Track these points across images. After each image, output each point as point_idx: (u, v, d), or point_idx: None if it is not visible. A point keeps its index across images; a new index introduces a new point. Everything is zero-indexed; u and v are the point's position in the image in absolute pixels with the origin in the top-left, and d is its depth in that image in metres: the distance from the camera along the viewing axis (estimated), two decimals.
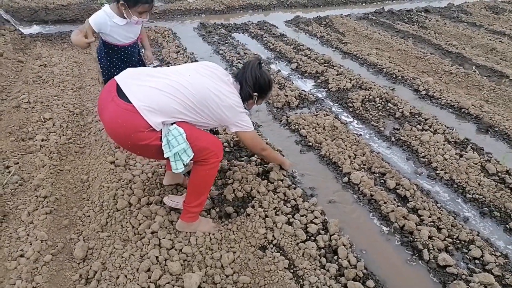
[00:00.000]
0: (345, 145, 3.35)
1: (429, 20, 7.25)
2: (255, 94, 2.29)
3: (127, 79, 2.01)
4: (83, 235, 2.40)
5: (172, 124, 2.00)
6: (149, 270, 2.15)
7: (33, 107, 3.75)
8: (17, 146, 3.20)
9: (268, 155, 2.68)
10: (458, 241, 2.41)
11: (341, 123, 3.72)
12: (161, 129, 1.97)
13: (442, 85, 4.57)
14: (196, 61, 5.13)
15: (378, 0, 8.75)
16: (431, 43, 5.98)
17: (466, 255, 2.33)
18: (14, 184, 2.78)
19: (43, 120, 3.57)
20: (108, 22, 2.63)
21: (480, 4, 8.53)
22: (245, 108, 2.29)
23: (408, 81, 4.64)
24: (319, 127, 3.61)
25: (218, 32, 6.30)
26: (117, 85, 1.98)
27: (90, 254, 2.28)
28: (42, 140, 3.28)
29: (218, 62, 5.23)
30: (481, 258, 2.29)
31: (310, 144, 3.38)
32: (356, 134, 3.58)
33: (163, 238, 2.33)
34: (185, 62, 4.94)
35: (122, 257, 2.21)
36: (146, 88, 1.96)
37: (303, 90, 4.36)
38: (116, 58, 2.86)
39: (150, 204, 2.61)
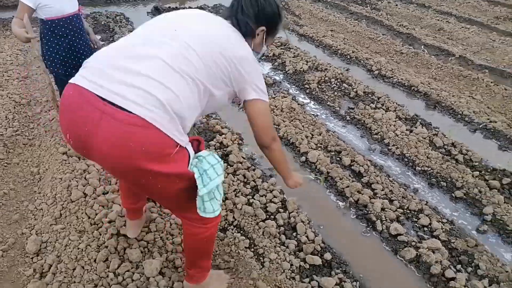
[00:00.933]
0: (302, 126, 3.41)
1: (381, 2, 7.44)
2: (262, 28, 1.57)
3: (98, 78, 1.28)
4: (36, 229, 2.31)
5: (194, 145, 1.47)
6: (107, 259, 2.11)
7: None
8: None
9: (278, 151, 1.72)
10: (408, 211, 2.55)
11: (298, 104, 3.77)
12: (186, 148, 1.37)
13: (394, 65, 4.74)
14: None
15: None
16: (383, 24, 6.16)
17: (415, 224, 2.47)
18: None
19: None
20: None
21: None
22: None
23: (362, 61, 4.77)
24: (277, 109, 3.64)
25: None
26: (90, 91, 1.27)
27: (44, 248, 2.20)
28: None
29: None
30: (429, 226, 2.44)
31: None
32: (313, 114, 3.66)
33: (121, 227, 2.29)
34: None
35: (78, 248, 2.15)
36: (139, 79, 1.25)
37: (262, 73, 4.36)
38: (64, 37, 2.69)
39: (106, 193, 2.55)
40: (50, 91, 2.81)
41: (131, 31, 5.04)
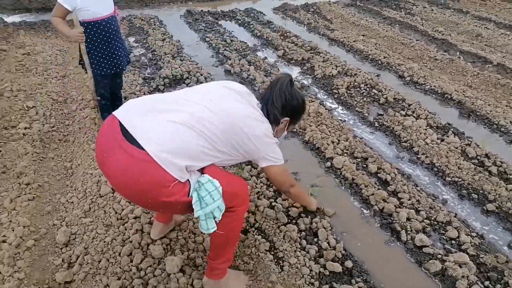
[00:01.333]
0: (329, 131, 3.38)
1: (416, 7, 7.26)
2: (286, 119, 1.83)
3: (132, 114, 1.57)
4: (66, 221, 2.41)
5: (202, 173, 1.63)
6: (131, 254, 2.17)
7: (16, 96, 3.72)
8: (0, 134, 3.18)
9: (296, 193, 2.11)
10: (435, 223, 2.47)
11: (326, 109, 3.74)
12: (188, 180, 1.56)
13: (427, 71, 4.61)
14: (182, 48, 5.09)
15: None
16: (417, 30, 6.01)
17: (443, 236, 2.39)
18: None
19: (26, 109, 3.54)
20: None
21: None
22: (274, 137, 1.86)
23: (394, 67, 4.67)
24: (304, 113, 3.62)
25: (204, 20, 6.25)
26: (120, 122, 1.55)
27: (72, 239, 2.29)
28: (25, 128, 3.26)
29: (203, 48, 5.21)
30: (457, 239, 2.35)
31: (294, 130, 3.40)
32: (340, 120, 3.61)
33: (145, 224, 2.35)
34: (171, 50, 4.91)
35: (104, 241, 2.23)
36: (158, 126, 1.52)
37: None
38: (100, 39, 2.80)
39: None
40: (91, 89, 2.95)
41: (164, 34, 5.16)
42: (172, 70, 4.31)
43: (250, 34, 5.81)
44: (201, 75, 4.27)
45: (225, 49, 5.02)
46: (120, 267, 2.09)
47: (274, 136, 1.83)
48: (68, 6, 2.59)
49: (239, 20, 6.36)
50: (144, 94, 3.86)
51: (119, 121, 1.55)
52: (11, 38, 5.18)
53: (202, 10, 6.68)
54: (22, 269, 2.08)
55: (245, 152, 1.71)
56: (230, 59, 4.70)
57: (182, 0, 7.36)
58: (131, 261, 2.13)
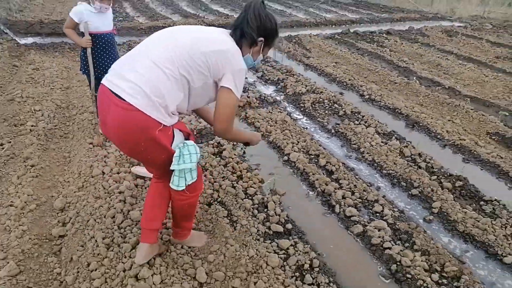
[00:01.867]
0: (291, 135, 3.97)
1: (389, 41, 8.08)
2: (261, 39, 1.89)
3: (113, 75, 1.77)
4: (63, 193, 2.95)
5: (184, 135, 1.91)
6: (114, 216, 2.69)
7: (25, 101, 4.33)
8: (10, 130, 3.76)
9: (234, 137, 2.16)
10: (366, 201, 3.01)
11: (292, 119, 4.36)
12: (172, 131, 1.82)
13: (385, 91, 5.28)
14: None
15: (347, 23, 9.61)
16: (384, 59, 6.75)
17: (370, 210, 2.93)
18: (7, 156, 3.33)
19: (34, 111, 4.14)
20: (83, 11, 3.29)
21: (437, 28, 9.45)
22: (250, 62, 1.97)
23: (356, 87, 5.34)
24: (271, 121, 4.24)
25: None
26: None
27: (67, 206, 2.82)
28: (32, 126, 3.84)
29: None
30: (381, 212, 2.89)
31: (262, 133, 3.99)
32: (303, 127, 4.22)
33: (128, 196, 2.88)
34: None
35: (93, 207, 2.76)
36: (132, 74, 1.70)
37: (264, 93, 5.02)
38: (100, 48, 3.45)
39: (119, 173, 3.18)
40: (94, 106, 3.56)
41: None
42: None
43: None
44: None
45: None
46: (104, 225, 2.60)
47: (251, 61, 1.96)
48: (76, 19, 3.27)
49: None
50: None
51: (105, 86, 1.77)
52: (22, 57, 5.88)
53: None
54: (25, 224, 2.59)
55: (208, 71, 1.77)
56: None
57: None
58: (114, 222, 2.64)
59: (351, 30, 8.72)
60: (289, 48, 7.22)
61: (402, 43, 7.91)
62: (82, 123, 3.99)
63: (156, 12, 9.76)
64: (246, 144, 2.34)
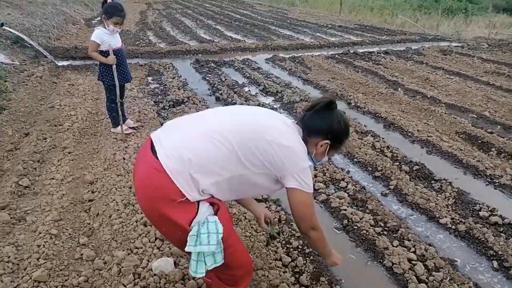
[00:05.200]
0: None
1: (385, 59, 8.79)
2: (326, 141, 1.72)
3: (161, 131, 1.67)
4: (92, 172, 3.75)
5: (213, 210, 1.61)
6: (131, 187, 3.46)
7: (63, 108, 5.25)
8: (51, 128, 4.65)
9: (318, 238, 1.86)
10: (334, 179, 3.67)
11: None
12: (197, 206, 1.56)
13: (370, 100, 5.96)
14: (186, 84, 6.65)
15: (349, 45, 10.41)
16: (377, 74, 7.45)
17: (336, 186, 3.58)
18: (49, 147, 4.19)
19: (70, 116, 5.04)
20: (102, 33, 4.11)
21: (434, 48, 10.10)
22: (312, 160, 1.78)
23: (345, 97, 6.05)
24: None
25: (208, 66, 7.93)
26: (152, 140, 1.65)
27: (95, 181, 3.61)
28: (68, 126, 4.72)
29: (203, 84, 6.77)
30: (345, 187, 3.54)
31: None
32: None
33: None
34: (178, 84, 6.47)
35: (115, 180, 3.54)
36: (178, 138, 1.58)
37: (264, 102, 5.80)
38: (117, 61, 4.30)
39: None
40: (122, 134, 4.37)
41: (175, 74, 6.73)
42: (175, 96, 5.82)
43: (242, 76, 7.39)
44: (198, 99, 5.75)
45: (219, 85, 6.56)
46: (123, 193, 3.36)
47: (312, 160, 1.77)
48: (99, 41, 4.10)
49: (236, 66, 8.01)
50: (154, 112, 5.32)
51: (151, 139, 1.65)
52: (60, 75, 6.92)
53: (208, 59, 8.40)
54: (64, 190, 3.39)
55: (269, 163, 1.59)
56: (221, 90, 6.21)
57: (194, 52, 9.16)
58: (131, 190, 3.41)
59: (351, 51, 9.49)
60: (291, 66, 8.03)
61: (397, 61, 8.60)
62: (109, 125, 4.84)
63: (176, 39, 10.86)
64: (273, 238, 2.35)
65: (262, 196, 3.31)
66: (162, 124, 4.84)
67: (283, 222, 3.01)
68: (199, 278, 1.73)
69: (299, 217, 1.75)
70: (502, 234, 2.95)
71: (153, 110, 5.37)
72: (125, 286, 2.37)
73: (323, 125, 1.71)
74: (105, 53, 4.15)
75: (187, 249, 1.52)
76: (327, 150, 1.76)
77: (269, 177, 1.65)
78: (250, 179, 1.63)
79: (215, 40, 10.71)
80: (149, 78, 7.09)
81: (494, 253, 2.75)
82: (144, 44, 9.85)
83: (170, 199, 1.50)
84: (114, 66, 4.20)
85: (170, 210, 1.51)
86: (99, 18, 4.18)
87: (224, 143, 1.55)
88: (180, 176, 1.50)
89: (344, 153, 4.21)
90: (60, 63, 7.69)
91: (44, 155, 4.01)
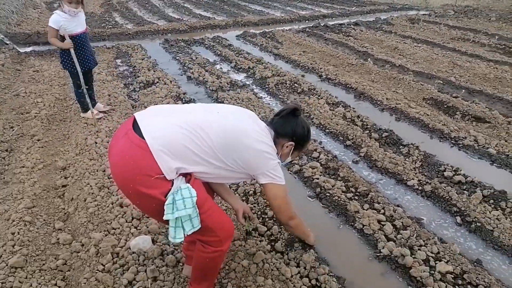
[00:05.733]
0: (254, 108, 4.71)
1: (355, 30, 8.84)
2: (291, 143, 1.94)
3: (146, 113, 1.74)
4: (63, 158, 3.69)
5: (185, 180, 1.69)
6: (104, 171, 3.44)
7: (29, 96, 5.09)
8: (18, 117, 4.52)
9: (296, 226, 2.16)
10: (308, 151, 3.75)
11: (256, 97, 5.10)
12: (172, 182, 1.64)
13: (341, 72, 6.03)
14: (156, 64, 6.54)
15: (320, 18, 10.38)
16: (347, 46, 7.51)
17: (309, 157, 3.66)
18: (17, 135, 4.08)
19: (36, 103, 4.90)
20: (59, 18, 3.90)
21: (402, 17, 10.22)
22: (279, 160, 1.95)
23: (316, 70, 6.09)
24: (239, 100, 4.99)
25: (178, 45, 7.78)
26: (135, 120, 1.70)
27: (68, 166, 3.56)
28: (36, 113, 4.59)
29: (173, 64, 6.66)
30: (318, 157, 3.62)
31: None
32: (265, 103, 4.96)
33: None
34: (148, 65, 6.34)
35: (88, 165, 3.50)
36: (164, 124, 1.66)
37: (236, 79, 5.78)
38: (78, 46, 4.14)
39: (109, 142, 3.92)
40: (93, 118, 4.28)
41: (144, 55, 6.55)
42: (146, 77, 5.72)
43: (213, 54, 7.31)
44: (168, 80, 5.67)
45: (190, 64, 6.47)
46: (97, 176, 3.34)
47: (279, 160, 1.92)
48: (56, 26, 3.93)
49: (206, 44, 7.89)
50: (125, 95, 5.22)
51: (134, 118, 1.70)
52: (24, 62, 6.65)
53: (177, 39, 8.23)
54: (35, 177, 3.34)
55: (244, 165, 1.75)
56: (192, 69, 6.14)
57: (163, 32, 8.95)
58: (104, 173, 3.39)
59: (322, 24, 9.49)
60: (262, 42, 7.98)
61: (366, 32, 8.67)
62: (78, 110, 4.73)
63: (144, 19, 10.55)
64: (248, 233, 2.55)
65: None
66: (137, 107, 4.79)
67: (257, 194, 3.08)
68: (179, 243, 1.78)
69: (277, 210, 1.98)
70: (465, 192, 3.11)
71: (123, 93, 5.28)
72: (104, 265, 2.39)
73: (288, 129, 1.93)
74: (64, 38, 4.01)
75: (165, 217, 1.61)
76: (291, 151, 1.99)
77: (243, 173, 1.82)
78: (227, 173, 1.78)
79: (184, 19, 10.48)
80: (118, 61, 6.92)
81: (458, 210, 2.92)
82: (110, 26, 9.54)
83: (147, 174, 1.58)
84: (72, 51, 4.02)
85: (146, 185, 1.59)
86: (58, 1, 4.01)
87: (207, 141, 1.66)
88: (162, 158, 1.59)
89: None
90: (23, 50, 7.38)
91: (12, 144, 3.91)
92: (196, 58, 6.80)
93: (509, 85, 5.37)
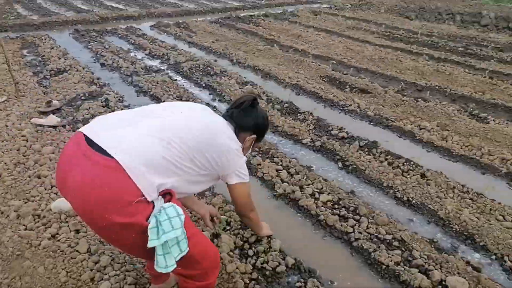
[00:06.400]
0: (169, 89, 5.01)
1: (264, 21, 9.49)
2: (253, 137, 1.86)
3: (98, 127, 1.48)
4: None
5: (165, 200, 1.47)
6: (18, 149, 3.50)
7: None
8: None
9: (255, 218, 2.13)
10: None
11: (171, 80, 5.40)
12: (153, 203, 1.41)
13: (250, 56, 6.58)
14: (67, 53, 6.45)
15: (232, 10, 10.90)
16: (257, 35, 8.10)
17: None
18: None
19: None
20: None
21: (307, 10, 11.17)
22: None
23: (227, 55, 6.56)
24: (154, 82, 5.23)
25: (90, 35, 7.69)
26: (86, 136, 1.43)
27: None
28: None
29: (86, 53, 6.64)
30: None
31: (144, 90, 4.97)
32: (180, 85, 5.28)
33: (30, 136, 3.68)
34: (58, 54, 6.24)
35: (1, 145, 3.53)
36: (130, 136, 1.42)
37: (150, 64, 5.99)
38: None
39: (21, 124, 3.94)
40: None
41: (53, 45, 6.43)
42: (56, 65, 5.67)
43: (127, 43, 7.39)
44: (81, 67, 5.69)
45: (103, 52, 6.51)
46: (11, 154, 3.40)
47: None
48: None
49: (119, 34, 7.91)
50: (35, 82, 5.15)
51: (84, 134, 1.43)
52: None
53: (88, 29, 8.11)
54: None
55: (217, 165, 1.64)
56: (105, 57, 6.20)
57: (72, 23, 8.71)
58: (19, 151, 3.46)
59: (234, 15, 10.00)
60: (176, 31, 8.23)
61: (274, 22, 9.37)
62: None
63: (50, 11, 10.08)
64: (218, 235, 2.44)
65: None
66: (49, 93, 4.78)
67: None
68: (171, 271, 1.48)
69: (242, 207, 1.97)
70: (346, 144, 3.79)
71: (33, 80, 5.21)
72: (25, 225, 2.56)
73: (250, 122, 1.84)
74: None
75: (150, 244, 1.35)
76: (252, 144, 1.91)
77: (211, 176, 1.71)
78: (196, 179, 1.63)
79: (94, 10, 10.24)
80: (24, 51, 6.67)
81: (340, 157, 3.57)
82: (12, 18, 9.00)
83: (124, 199, 1.32)
84: None
85: (123, 212, 1.33)
86: None
87: (182, 146, 1.50)
88: (142, 175, 1.36)
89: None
90: None
91: None
92: (110, 46, 6.85)
93: (389, 64, 6.35)
